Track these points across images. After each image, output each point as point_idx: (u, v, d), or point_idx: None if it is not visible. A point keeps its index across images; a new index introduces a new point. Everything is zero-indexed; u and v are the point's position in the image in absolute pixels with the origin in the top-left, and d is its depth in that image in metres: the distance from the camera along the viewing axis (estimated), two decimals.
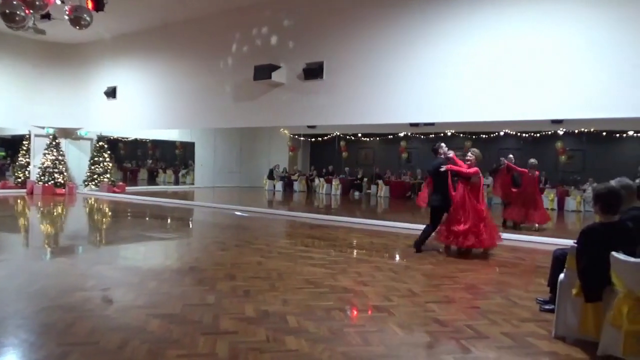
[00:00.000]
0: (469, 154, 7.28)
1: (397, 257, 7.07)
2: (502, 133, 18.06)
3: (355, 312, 4.33)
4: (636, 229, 3.69)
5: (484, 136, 18.48)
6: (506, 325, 3.97)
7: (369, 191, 19.85)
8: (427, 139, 20.17)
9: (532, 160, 10.47)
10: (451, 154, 7.42)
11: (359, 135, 21.32)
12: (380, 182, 19.22)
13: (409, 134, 19.80)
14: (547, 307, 4.36)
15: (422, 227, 9.86)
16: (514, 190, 10.50)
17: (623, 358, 3.15)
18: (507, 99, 8.71)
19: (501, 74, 8.74)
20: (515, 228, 10.14)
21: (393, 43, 9.95)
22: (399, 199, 18.14)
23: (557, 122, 13.71)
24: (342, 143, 21.12)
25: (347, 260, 6.59)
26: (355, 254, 7.32)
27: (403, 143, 19.96)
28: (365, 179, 20.26)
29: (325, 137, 21.75)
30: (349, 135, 21.24)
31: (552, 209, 15.19)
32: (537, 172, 10.52)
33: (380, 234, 9.08)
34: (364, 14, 10.36)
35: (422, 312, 4.29)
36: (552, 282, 4.29)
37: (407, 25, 9.78)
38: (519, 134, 17.94)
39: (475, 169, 7.18)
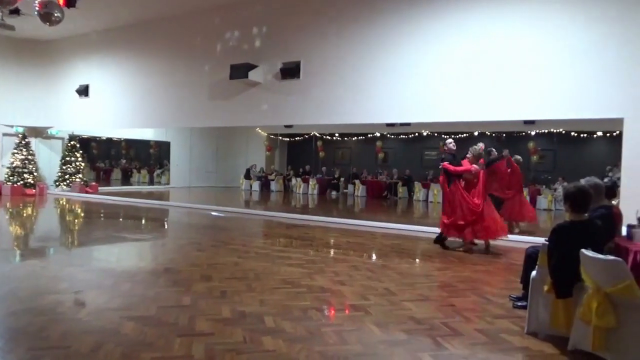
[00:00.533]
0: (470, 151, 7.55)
1: (374, 257, 7.12)
2: (476, 133, 18.35)
3: (332, 312, 4.35)
4: (604, 227, 3.81)
5: (459, 136, 18.75)
6: (480, 322, 4.04)
7: (345, 191, 19.95)
8: (403, 139, 20.39)
9: (518, 157, 10.51)
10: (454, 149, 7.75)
11: (336, 135, 21.40)
12: (357, 181, 19.33)
13: (386, 134, 19.97)
14: (520, 303, 4.45)
15: (399, 226, 10.00)
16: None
17: (592, 352, 3.24)
18: (481, 99, 8.89)
19: (475, 75, 8.91)
20: (511, 228, 9.26)
21: (370, 44, 10.02)
22: (376, 199, 18.27)
23: (530, 123, 14.05)
24: (319, 143, 21.17)
25: (324, 259, 6.60)
26: (332, 253, 7.34)
27: (379, 143, 20.11)
28: (342, 179, 20.35)
29: (302, 137, 21.76)
30: (326, 135, 21.30)
31: None
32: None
33: (357, 234, 9.13)
34: (341, 14, 10.40)
35: (398, 310, 4.33)
36: (525, 279, 4.39)
37: (384, 26, 9.86)
38: (492, 134, 18.27)
39: (466, 167, 7.43)
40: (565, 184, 15.25)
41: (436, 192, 17.14)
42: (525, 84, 8.49)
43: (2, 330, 3.59)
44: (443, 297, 4.82)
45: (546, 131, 16.84)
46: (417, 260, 6.95)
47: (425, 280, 5.54)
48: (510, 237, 8.87)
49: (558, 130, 16.54)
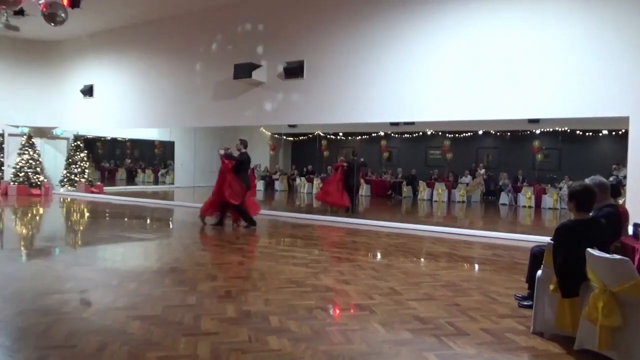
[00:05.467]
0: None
1: (379, 256, 7.11)
2: (480, 132, 18.32)
3: (337, 311, 4.35)
4: (609, 225, 3.79)
5: (463, 135, 18.73)
6: (485, 322, 4.03)
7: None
8: (407, 138, 20.36)
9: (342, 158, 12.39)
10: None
11: (340, 134, 21.38)
12: (361, 180, 19.28)
13: (390, 133, 19.94)
14: (525, 303, 4.44)
15: (404, 225, 10.00)
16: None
17: (598, 352, 3.22)
18: (485, 98, 8.86)
19: (480, 74, 8.89)
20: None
21: (373, 43, 10.01)
22: (380, 198, 18.25)
23: (534, 122, 13.98)
24: (324, 142, 21.15)
25: (328, 259, 6.61)
26: (337, 252, 7.33)
27: (384, 142, 20.08)
28: None
29: (306, 136, 21.75)
30: (330, 135, 21.28)
31: (530, 207, 15.48)
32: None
33: (361, 233, 9.12)
34: (344, 13, 10.39)
35: (403, 309, 4.32)
36: (530, 279, 4.38)
37: (388, 26, 9.85)
38: (497, 132, 18.23)
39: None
40: (571, 182, 15.22)
41: (440, 191, 17.12)
42: (529, 83, 8.46)
43: (10, 330, 3.61)
44: (448, 297, 4.80)
45: (551, 130, 16.76)
46: (422, 259, 6.94)
47: (430, 279, 5.53)
48: (516, 236, 8.86)
49: (563, 129, 16.46)
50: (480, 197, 17.25)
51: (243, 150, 9.20)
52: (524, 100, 8.55)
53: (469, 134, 18.66)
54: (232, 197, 8.88)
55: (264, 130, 21.46)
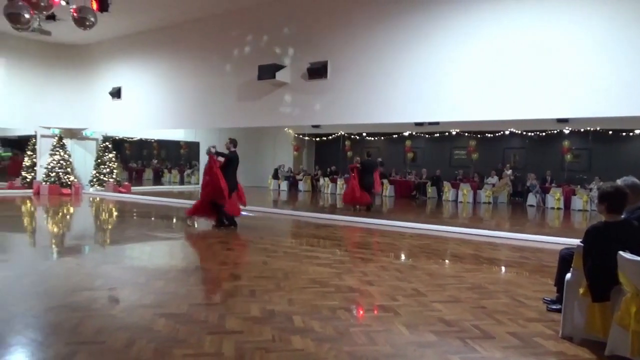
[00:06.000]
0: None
1: (403, 257, 7.06)
2: (507, 132, 18.00)
3: (361, 312, 4.33)
4: None
5: (489, 135, 18.44)
6: (513, 325, 3.96)
7: (373, 191, 19.80)
8: (431, 138, 20.16)
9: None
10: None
11: (364, 134, 21.32)
12: (385, 181, 19.19)
13: (414, 133, 19.78)
14: (554, 307, 4.34)
15: (428, 226, 9.90)
16: None
17: (631, 358, 3.13)
18: (512, 97, 8.68)
19: (506, 73, 8.72)
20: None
21: (398, 42, 9.94)
22: (404, 198, 18.12)
23: (563, 121, 13.66)
24: (347, 142, 21.12)
25: (352, 259, 6.59)
26: (360, 253, 7.31)
27: (408, 142, 19.94)
28: None
29: (330, 137, 21.75)
30: (354, 135, 21.23)
31: (558, 208, 15.14)
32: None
33: (385, 234, 9.07)
34: (368, 13, 10.35)
35: (428, 311, 4.28)
36: (559, 282, 4.28)
37: (412, 25, 9.77)
38: (524, 132, 17.89)
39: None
40: (601, 183, 14.81)
41: (465, 192, 16.88)
42: (558, 81, 8.24)
43: (42, 325, 3.72)
44: (473, 299, 4.73)
45: (581, 129, 16.36)
46: (447, 261, 6.85)
47: (455, 281, 5.46)
48: (544, 238, 8.68)
49: (593, 128, 16.05)
50: (507, 198, 16.94)
51: (232, 149, 9.20)
52: (553, 99, 8.34)
53: (496, 134, 18.36)
54: (218, 196, 8.78)
55: (287, 131, 21.56)
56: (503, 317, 4.15)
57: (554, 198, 15.35)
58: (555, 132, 17.04)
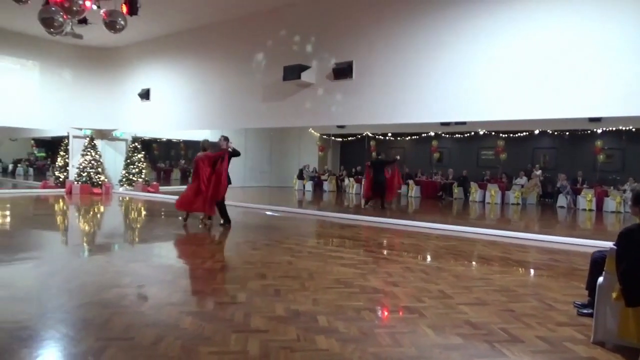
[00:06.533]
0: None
1: (428, 258, 6.99)
2: (536, 131, 17.61)
3: (385, 313, 4.31)
4: None
5: (517, 135, 18.09)
6: (542, 329, 3.87)
7: (399, 191, 19.69)
8: (458, 138, 19.89)
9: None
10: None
11: (389, 134, 21.20)
12: (410, 182, 19.04)
13: (440, 133, 19.56)
14: (585, 311, 4.23)
15: (455, 227, 9.76)
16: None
17: None
18: (541, 96, 8.48)
19: (535, 71, 8.51)
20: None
21: (423, 42, 9.84)
22: (430, 199, 17.93)
23: (595, 120, 13.29)
24: (372, 143, 21.03)
25: (377, 260, 6.56)
26: (385, 254, 7.27)
27: (434, 142, 19.73)
28: None
29: (355, 137, 21.71)
30: (379, 135, 21.13)
31: (590, 210, 14.72)
32: None
33: (410, 235, 9.00)
34: (393, 13, 10.28)
35: (454, 313, 4.22)
36: (591, 286, 4.16)
37: (438, 24, 9.65)
38: (554, 132, 17.48)
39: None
40: (635, 184, 14.34)
41: (493, 192, 16.60)
42: (589, 78, 8.00)
43: (74, 321, 3.83)
44: (501, 302, 4.65)
45: (614, 129, 15.89)
46: (474, 262, 6.75)
47: (482, 283, 5.37)
48: (575, 240, 8.46)
49: (627, 128, 15.56)
50: (537, 199, 16.56)
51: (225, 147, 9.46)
52: (585, 97, 8.11)
53: (524, 133, 17.99)
54: (221, 194, 9.26)
55: (312, 131, 21.62)
56: (532, 321, 4.06)
57: (586, 199, 14.93)
58: (587, 131, 16.60)
